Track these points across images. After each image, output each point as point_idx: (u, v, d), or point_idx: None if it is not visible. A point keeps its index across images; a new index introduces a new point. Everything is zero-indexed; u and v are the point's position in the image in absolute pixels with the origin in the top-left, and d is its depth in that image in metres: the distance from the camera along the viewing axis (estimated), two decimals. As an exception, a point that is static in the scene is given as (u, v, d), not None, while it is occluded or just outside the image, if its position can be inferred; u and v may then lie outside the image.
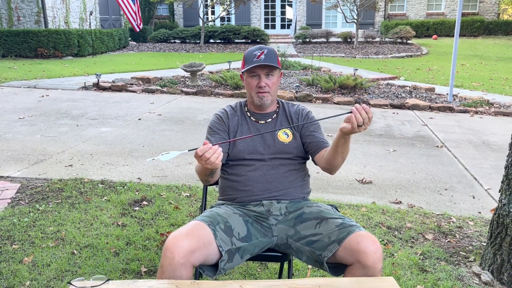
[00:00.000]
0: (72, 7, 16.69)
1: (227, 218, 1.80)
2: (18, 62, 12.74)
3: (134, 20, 16.75)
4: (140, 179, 4.04)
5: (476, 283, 2.51)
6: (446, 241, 3.04)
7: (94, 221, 3.10)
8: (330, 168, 1.91)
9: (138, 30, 17.37)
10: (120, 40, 18.13)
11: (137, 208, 3.35)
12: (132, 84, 9.49)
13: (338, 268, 1.73)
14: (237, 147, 1.96)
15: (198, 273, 1.85)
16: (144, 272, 2.48)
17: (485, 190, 4.15)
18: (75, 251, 2.66)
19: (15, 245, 2.72)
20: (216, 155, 1.60)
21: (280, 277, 2.36)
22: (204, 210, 2.16)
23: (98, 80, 9.01)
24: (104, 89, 8.94)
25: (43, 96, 8.02)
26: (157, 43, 20.11)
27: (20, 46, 13.75)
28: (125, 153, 4.87)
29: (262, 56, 1.91)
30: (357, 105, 1.63)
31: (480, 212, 3.62)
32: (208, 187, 2.29)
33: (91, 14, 17.40)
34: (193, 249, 1.60)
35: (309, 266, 2.59)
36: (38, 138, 5.37)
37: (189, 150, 1.65)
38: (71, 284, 1.43)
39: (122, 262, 2.56)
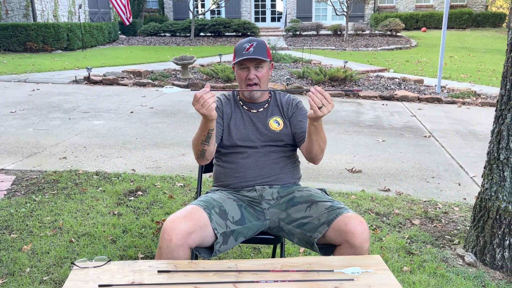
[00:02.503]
0: (61, 1, 16.55)
1: (222, 203, 1.88)
2: (7, 56, 12.64)
3: (124, 14, 16.65)
4: (134, 170, 4.10)
5: (460, 264, 2.63)
6: (432, 225, 3.16)
7: (91, 210, 3.16)
8: (311, 157, 1.95)
9: (127, 23, 17.28)
10: (110, 33, 18.03)
11: (132, 198, 3.42)
12: (123, 77, 9.49)
13: (327, 249, 1.82)
14: (231, 134, 2.04)
15: (194, 255, 1.93)
16: (141, 258, 2.56)
17: (471, 177, 4.28)
18: (73, 239, 2.73)
19: (13, 234, 2.78)
20: (214, 98, 1.69)
21: (272, 260, 2.45)
22: (199, 196, 2.23)
23: (89, 73, 9.01)
24: (95, 82, 8.94)
25: (34, 90, 8.01)
26: (147, 37, 20.03)
27: (8, 40, 13.63)
28: (118, 145, 4.92)
29: (251, 49, 1.96)
30: (311, 88, 1.68)
31: (465, 199, 3.75)
32: (202, 175, 2.36)
33: (80, 8, 17.27)
34: (190, 231, 1.68)
35: (301, 250, 2.69)
36: (31, 131, 5.40)
37: (191, 90, 1.77)
38: (74, 264, 1.50)
39: (119, 249, 2.64)
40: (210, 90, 1.70)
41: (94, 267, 1.51)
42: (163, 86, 1.53)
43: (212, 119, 1.76)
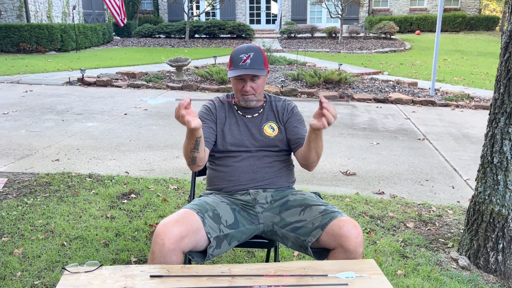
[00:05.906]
0: (55, 1, 16.47)
1: (215, 206, 1.87)
2: (0, 57, 12.55)
3: (118, 15, 16.60)
4: (128, 173, 4.07)
5: (454, 268, 2.63)
6: (426, 229, 3.16)
7: (83, 213, 3.14)
8: (306, 164, 1.94)
9: (122, 25, 17.23)
10: (104, 35, 17.96)
11: (125, 201, 3.39)
12: (117, 79, 9.45)
13: (321, 253, 1.81)
14: (225, 139, 2.02)
15: (188, 259, 1.91)
16: (134, 262, 2.54)
17: (464, 180, 4.29)
18: (65, 243, 2.70)
19: (4, 237, 2.75)
20: (189, 110, 1.62)
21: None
22: (193, 199, 2.22)
23: (82, 75, 8.96)
24: (89, 84, 8.90)
25: (26, 92, 7.95)
26: (142, 38, 19.97)
27: (1, 41, 13.54)
28: (112, 147, 4.89)
29: (248, 61, 1.93)
30: (325, 101, 1.63)
31: (459, 202, 3.75)
32: (196, 178, 2.35)
33: (74, 9, 17.19)
34: (183, 236, 1.66)
35: (295, 253, 2.68)
36: (23, 133, 5.35)
37: (176, 99, 1.68)
38: (65, 269, 1.48)
39: (112, 253, 2.61)
40: (191, 100, 1.64)
41: (85, 272, 1.49)
42: (148, 97, 1.43)
43: (197, 128, 1.71)
